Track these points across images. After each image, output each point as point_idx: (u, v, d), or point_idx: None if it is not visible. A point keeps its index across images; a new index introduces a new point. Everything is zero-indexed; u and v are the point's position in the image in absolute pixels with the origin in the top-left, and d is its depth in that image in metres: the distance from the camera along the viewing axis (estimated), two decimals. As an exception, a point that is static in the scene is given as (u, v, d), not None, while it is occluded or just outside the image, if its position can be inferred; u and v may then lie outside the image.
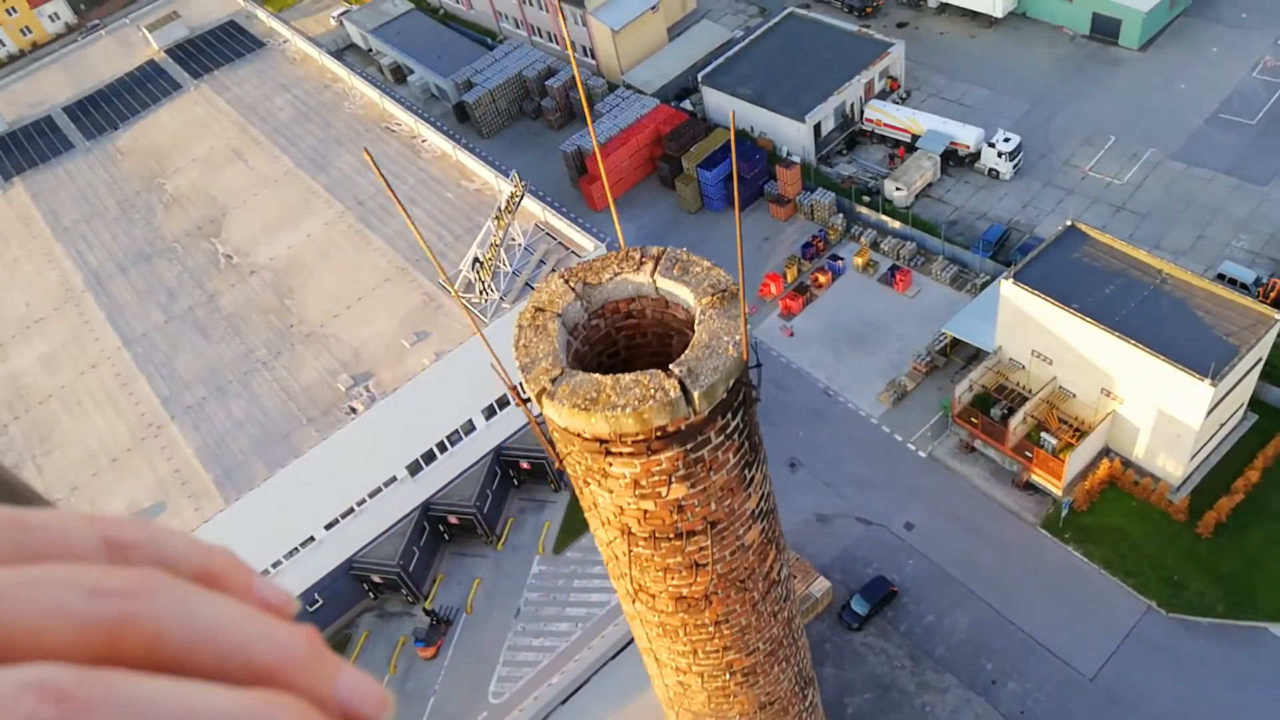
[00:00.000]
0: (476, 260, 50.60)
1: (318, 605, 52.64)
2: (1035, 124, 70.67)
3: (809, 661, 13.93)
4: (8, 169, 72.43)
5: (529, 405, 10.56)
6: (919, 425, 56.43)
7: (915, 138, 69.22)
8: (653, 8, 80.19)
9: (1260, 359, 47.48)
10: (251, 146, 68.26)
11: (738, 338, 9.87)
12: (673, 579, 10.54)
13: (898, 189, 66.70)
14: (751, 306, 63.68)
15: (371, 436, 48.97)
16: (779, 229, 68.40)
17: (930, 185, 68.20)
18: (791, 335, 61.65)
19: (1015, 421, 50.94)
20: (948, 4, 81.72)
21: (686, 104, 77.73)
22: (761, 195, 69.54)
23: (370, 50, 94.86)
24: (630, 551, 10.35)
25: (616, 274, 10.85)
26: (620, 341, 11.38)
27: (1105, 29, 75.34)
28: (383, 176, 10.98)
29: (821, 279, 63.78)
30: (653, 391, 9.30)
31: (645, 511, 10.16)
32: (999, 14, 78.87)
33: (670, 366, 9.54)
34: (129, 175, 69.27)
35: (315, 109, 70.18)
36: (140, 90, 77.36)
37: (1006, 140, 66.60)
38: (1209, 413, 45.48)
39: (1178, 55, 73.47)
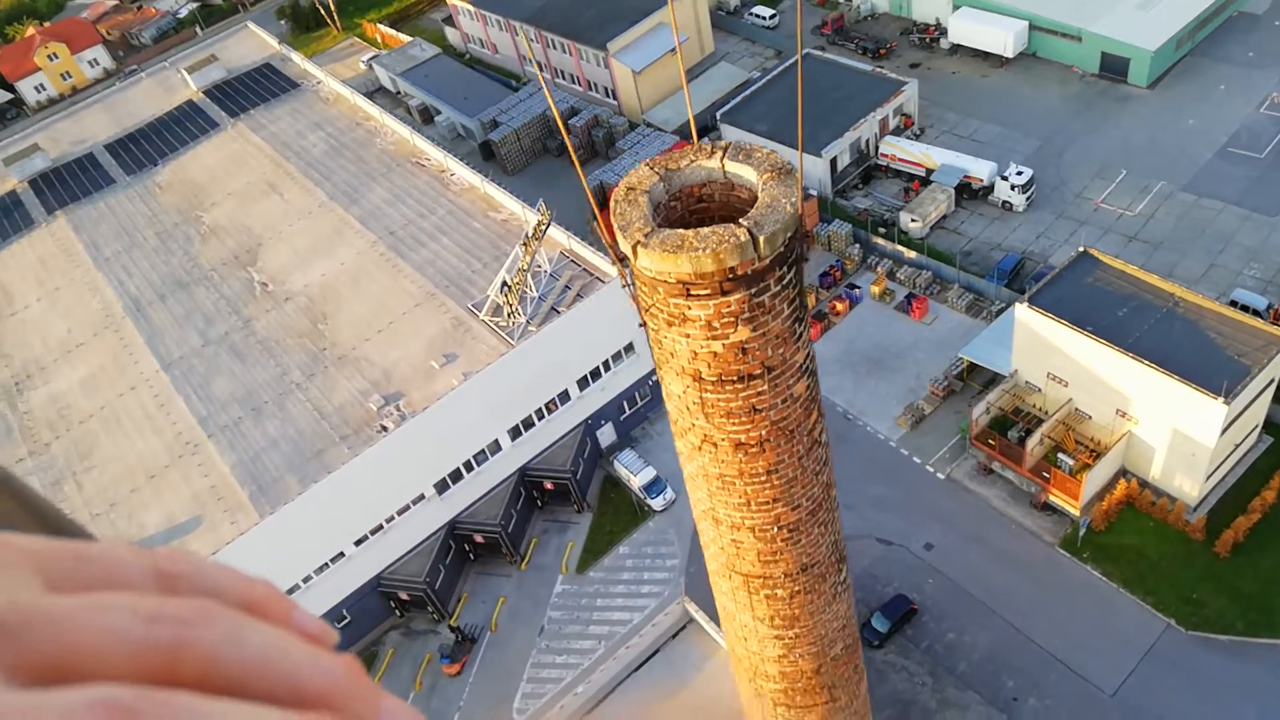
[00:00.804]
0: (505, 284, 52.34)
1: (346, 621, 53.58)
2: (1047, 159, 72.39)
3: (843, 538, 15.06)
4: (50, 203, 75.31)
5: (623, 265, 12.31)
6: (937, 448, 57.28)
7: (930, 171, 71.05)
8: (672, 50, 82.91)
9: (1273, 380, 48.28)
10: (286, 180, 70.84)
11: (794, 199, 11.59)
12: (734, 424, 11.83)
13: (913, 220, 68.33)
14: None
15: (401, 454, 50.36)
16: (797, 260, 69.92)
17: (945, 217, 69.81)
18: (810, 361, 62.82)
19: (1032, 443, 51.76)
20: (960, 45, 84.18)
21: (705, 142, 79.85)
22: (779, 227, 71.29)
23: (399, 93, 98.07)
24: (701, 397, 11.68)
25: (692, 161, 12.67)
26: (692, 224, 13.01)
27: (1114, 68, 77.39)
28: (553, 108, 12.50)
29: (839, 307, 65.17)
30: (726, 237, 11.16)
31: (715, 354, 11.56)
32: (1010, 54, 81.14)
33: (739, 220, 11.28)
34: (168, 208, 71.91)
35: (347, 145, 72.85)
36: (179, 128, 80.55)
37: (1019, 173, 68.32)
38: (1223, 432, 46.24)
39: (1186, 92, 75.30)
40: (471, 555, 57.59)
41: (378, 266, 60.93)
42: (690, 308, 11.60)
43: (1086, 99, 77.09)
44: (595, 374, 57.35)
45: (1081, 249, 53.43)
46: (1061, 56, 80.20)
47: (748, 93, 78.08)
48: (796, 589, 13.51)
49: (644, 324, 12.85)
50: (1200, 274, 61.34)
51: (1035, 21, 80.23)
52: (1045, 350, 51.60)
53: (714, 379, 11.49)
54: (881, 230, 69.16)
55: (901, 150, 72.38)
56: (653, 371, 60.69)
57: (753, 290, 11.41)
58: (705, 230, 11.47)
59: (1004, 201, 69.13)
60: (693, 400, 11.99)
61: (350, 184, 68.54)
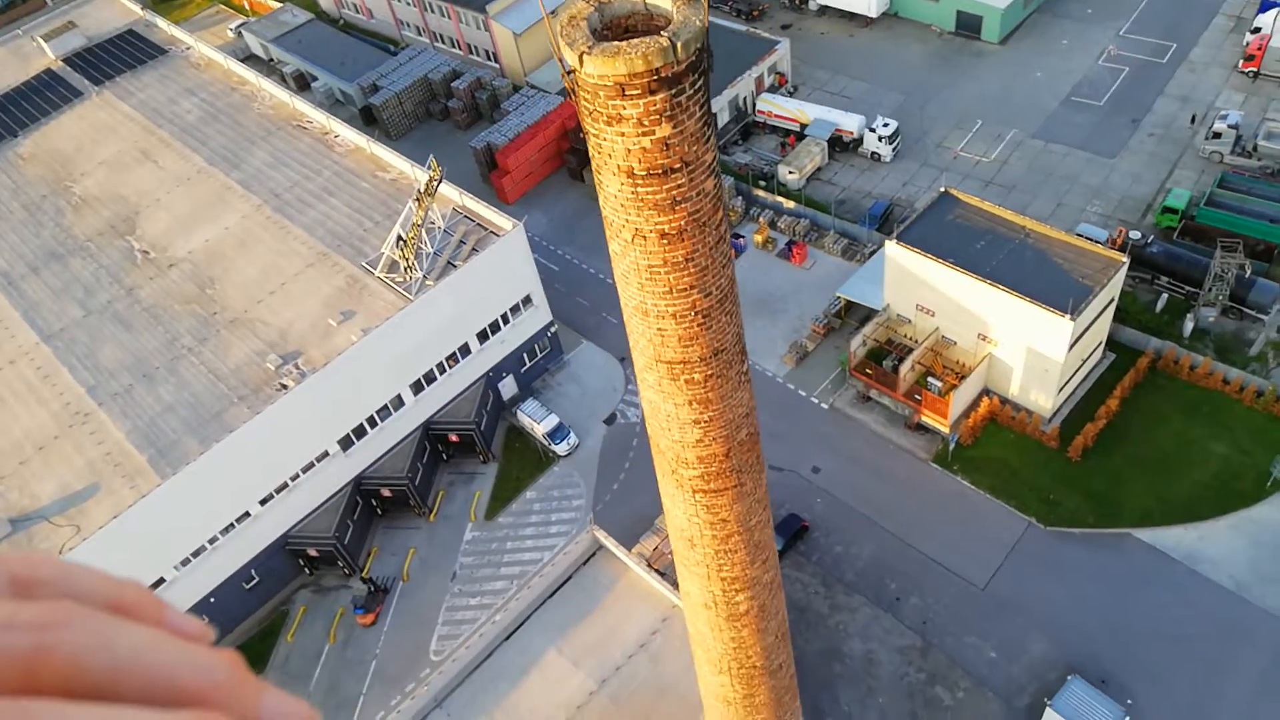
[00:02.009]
0: (400, 239, 52.92)
1: (254, 582, 53.67)
2: (910, 112, 77.08)
3: (743, 334, 17.50)
4: (-101, 179, 70.94)
5: (570, 77, 14.44)
6: (820, 381, 61.06)
7: (804, 126, 74.70)
8: (552, 13, 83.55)
9: (1113, 299, 53.66)
10: (160, 147, 68.87)
11: (702, 16, 13.88)
12: (659, 216, 13.98)
13: (790, 173, 71.84)
14: (661, 284, 67.44)
15: (303, 412, 50.61)
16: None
17: (819, 169, 73.62)
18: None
19: (904, 369, 55.95)
20: (827, 6, 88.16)
21: None
22: (665, 182, 73.72)
23: (271, 60, 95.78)
24: (635, 191, 13.79)
25: (617, 2, 14.92)
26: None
27: (969, 25, 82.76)
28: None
29: (724, 255, 68.04)
30: (652, 44, 13.85)
31: (644, 149, 13.70)
32: (874, 14, 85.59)
33: (661, 32, 13.58)
34: (33, 180, 68.92)
35: (224, 110, 71.23)
36: (38, 98, 76.87)
37: (885, 125, 72.63)
38: (1071, 347, 51.23)
39: (1033, 47, 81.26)
40: (379, 510, 58.27)
41: (265, 229, 60.32)
42: (624, 107, 13.84)
43: (944, 55, 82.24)
44: (494, 327, 58.59)
45: (943, 189, 57.75)
46: (921, 16, 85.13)
47: (628, 53, 79.74)
48: (710, 373, 15.80)
49: (585, 132, 14.88)
50: (1050, 212, 66.84)
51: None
52: (913, 283, 55.73)
53: (643, 173, 13.58)
54: (762, 183, 72.44)
55: (777, 107, 75.75)
56: (551, 324, 62.39)
57: (673, 91, 13.66)
58: (635, 40, 13.93)
59: (872, 153, 73.40)
60: (627, 195, 14.05)
61: (229, 149, 67.23)
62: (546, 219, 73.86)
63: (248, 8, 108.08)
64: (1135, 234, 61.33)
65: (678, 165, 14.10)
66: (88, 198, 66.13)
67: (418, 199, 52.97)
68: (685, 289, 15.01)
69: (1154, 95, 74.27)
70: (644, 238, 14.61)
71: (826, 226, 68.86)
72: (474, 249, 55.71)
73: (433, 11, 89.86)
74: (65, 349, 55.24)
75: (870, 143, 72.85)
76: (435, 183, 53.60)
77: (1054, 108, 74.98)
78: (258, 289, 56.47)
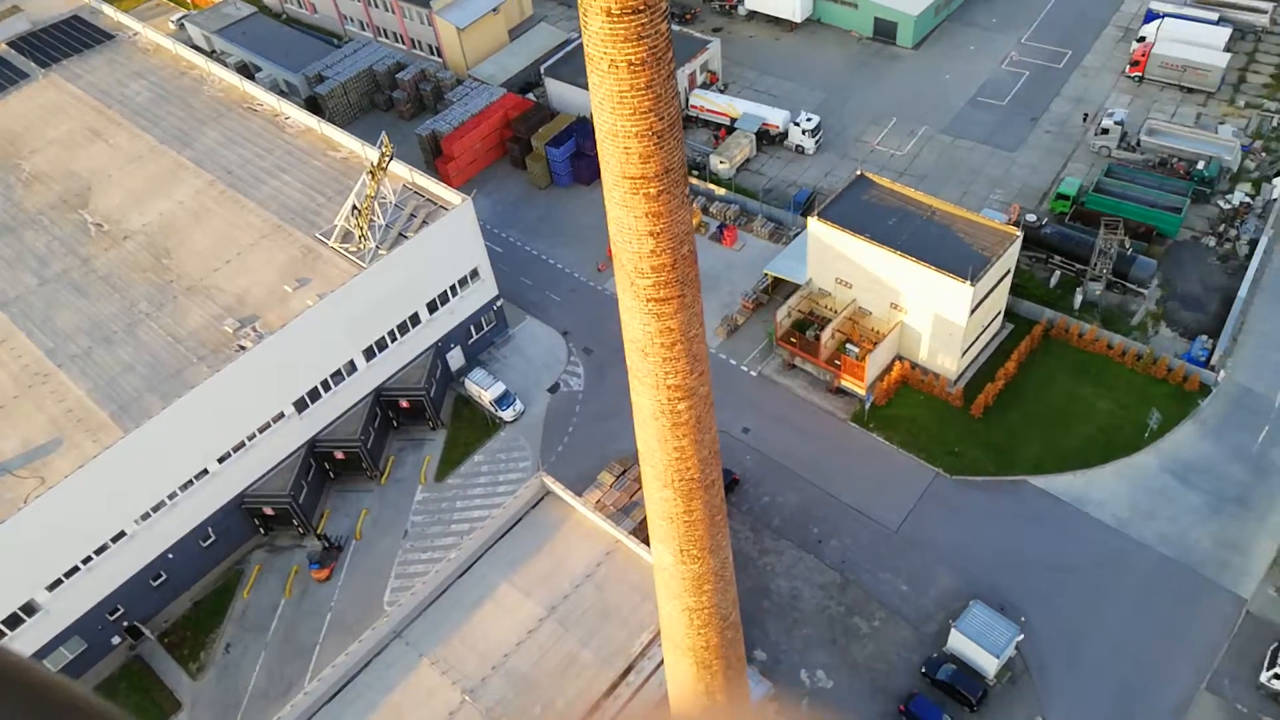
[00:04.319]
0: (354, 208, 55.89)
1: (211, 541, 55.71)
2: (831, 109, 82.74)
3: (685, 165, 22.07)
4: None
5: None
6: (749, 351, 65.65)
7: (733, 120, 79.72)
8: (494, 9, 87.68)
9: (1009, 270, 59.43)
10: (111, 127, 70.44)
11: None
12: (628, 46, 18.07)
13: (721, 162, 76.68)
14: (601, 265, 71.58)
15: (260, 372, 53.08)
16: (620, 199, 76.79)
17: (748, 160, 78.64)
18: (637, 285, 69.77)
19: (825, 337, 60.84)
20: (755, 12, 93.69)
21: (530, 96, 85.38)
22: (603, 169, 77.84)
23: (214, 51, 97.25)
24: (611, 28, 17.79)
25: None
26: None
27: (885, 31, 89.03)
28: None
29: (660, 237, 72.34)
30: None
31: (629, 62, 17.64)
32: (798, 19, 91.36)
33: None
34: (-20, 158, 69.73)
35: (174, 92, 73.12)
36: (-18, 81, 77.43)
37: (809, 120, 78.07)
38: (972, 311, 56.70)
39: (944, 52, 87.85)
40: (332, 474, 60.72)
41: (218, 204, 62.56)
42: (614, 27, 17.80)
43: (863, 58, 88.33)
44: (444, 298, 61.75)
45: (859, 172, 63.04)
46: (841, 22, 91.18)
47: (568, 49, 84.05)
48: (663, 187, 20.16)
49: None
50: (957, 199, 72.71)
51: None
52: (833, 258, 60.75)
53: (618, 11, 17.65)
54: (695, 172, 77.06)
55: (709, 102, 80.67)
56: (497, 298, 65.78)
57: (649, 11, 17.75)
58: None
59: (797, 145, 78.72)
60: (605, 31, 18.11)
61: (180, 129, 69.20)
62: (490, 204, 77.25)
63: (189, 1, 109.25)
64: (1031, 217, 67.48)
65: (642, 7, 18.22)
66: (38, 174, 67.38)
67: (371, 172, 56.00)
68: (645, 111, 19.29)
69: (1051, 96, 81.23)
70: (617, 66, 18.75)
71: (755, 212, 73.76)
72: (424, 222, 58.92)
73: (377, 6, 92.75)
74: (22, 315, 56.68)
75: (795, 136, 78.16)
76: (387, 158, 56.72)
77: (961, 107, 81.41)
78: (213, 258, 58.72)
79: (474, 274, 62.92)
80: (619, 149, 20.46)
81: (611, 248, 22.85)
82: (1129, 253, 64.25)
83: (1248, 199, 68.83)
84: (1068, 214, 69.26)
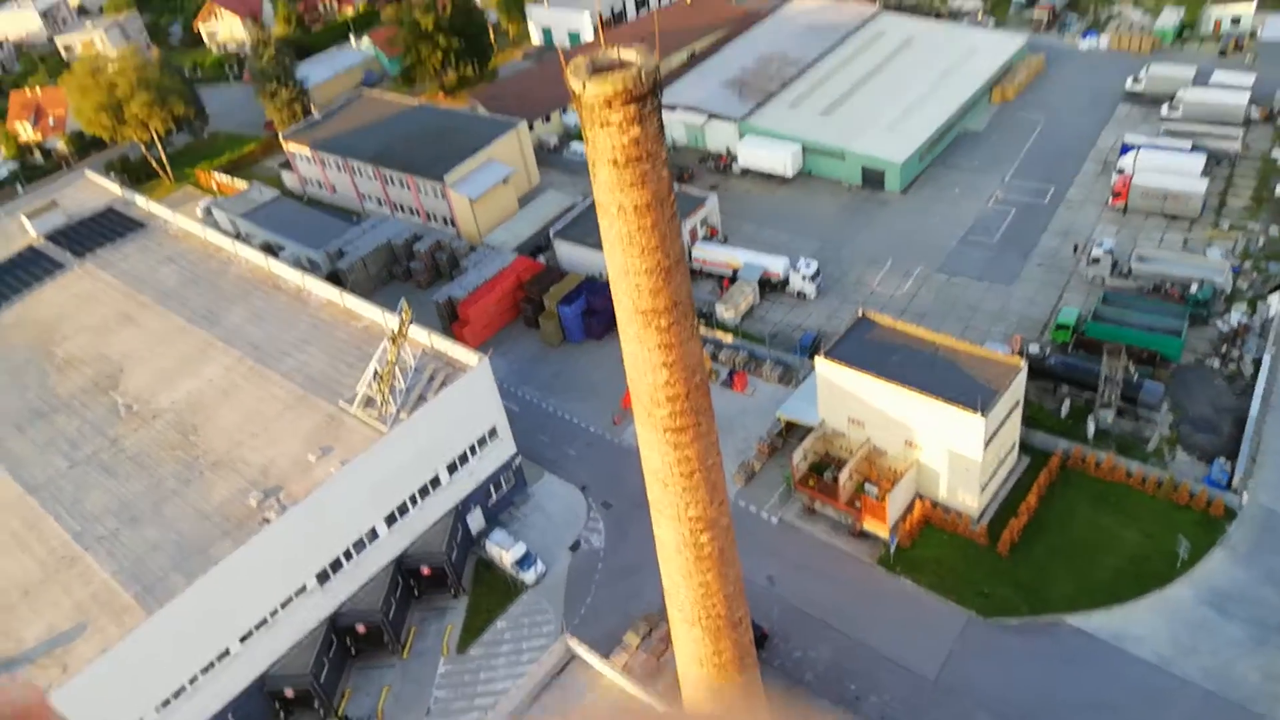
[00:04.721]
0: (376, 373, 57.74)
1: (232, 725, 54.53)
2: (829, 254, 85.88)
3: (693, 294, 23.84)
4: (-119, 353, 74.09)
5: (576, 99, 22.68)
6: (768, 497, 65.80)
7: (735, 270, 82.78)
8: (504, 180, 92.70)
9: (1018, 401, 60.26)
10: (141, 311, 73.66)
11: (655, 60, 21.38)
12: (633, 192, 19.62)
13: (727, 311, 79.17)
14: (616, 417, 72.86)
15: (284, 543, 53.54)
16: (631, 351, 78.89)
17: (753, 307, 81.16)
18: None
19: (843, 479, 61.18)
20: (748, 169, 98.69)
21: (541, 258, 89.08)
22: (614, 325, 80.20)
23: (239, 235, 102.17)
24: (617, 176, 19.40)
25: (603, 54, 22.94)
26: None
27: (873, 180, 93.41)
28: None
29: (672, 387, 73.92)
30: (626, 73, 21.33)
31: (623, 145, 19.56)
32: (790, 175, 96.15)
33: (629, 64, 20.73)
34: (17, 346, 72.78)
35: (202, 275, 76.76)
36: (22, 272, 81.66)
37: (808, 266, 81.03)
38: (986, 444, 57.20)
39: (931, 195, 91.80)
40: (353, 650, 59.73)
41: (245, 379, 64.66)
42: (610, 115, 20.42)
43: (855, 205, 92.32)
44: (463, 458, 62.73)
45: (861, 313, 65.02)
46: (831, 173, 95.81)
47: (575, 213, 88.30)
48: (673, 319, 21.61)
49: (585, 140, 21.59)
50: (958, 334, 74.23)
51: (807, 145, 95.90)
52: (843, 397, 61.86)
53: (623, 162, 19.56)
54: (702, 321, 79.42)
55: (710, 254, 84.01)
56: (516, 455, 66.64)
57: (640, 104, 20.35)
58: (617, 72, 22.09)
59: (798, 291, 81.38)
60: (613, 179, 20.05)
61: (208, 309, 72.29)
62: (506, 363, 79.32)
63: (216, 188, 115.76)
64: (1034, 347, 68.90)
65: (644, 156, 20.48)
66: (71, 359, 70.04)
67: (392, 339, 58.18)
68: (653, 249, 21.16)
69: (1039, 231, 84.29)
70: (624, 210, 20.70)
71: (763, 357, 75.51)
72: (443, 383, 60.65)
73: (393, 184, 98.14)
74: (51, 499, 57.77)
75: (796, 282, 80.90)
76: (406, 324, 59.07)
77: (953, 245, 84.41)
78: (239, 432, 60.22)
79: (492, 433, 64.12)
80: (630, 285, 22.19)
81: (629, 391, 24.53)
82: (1135, 378, 65.18)
83: (1245, 319, 70.25)
84: (1070, 343, 70.65)
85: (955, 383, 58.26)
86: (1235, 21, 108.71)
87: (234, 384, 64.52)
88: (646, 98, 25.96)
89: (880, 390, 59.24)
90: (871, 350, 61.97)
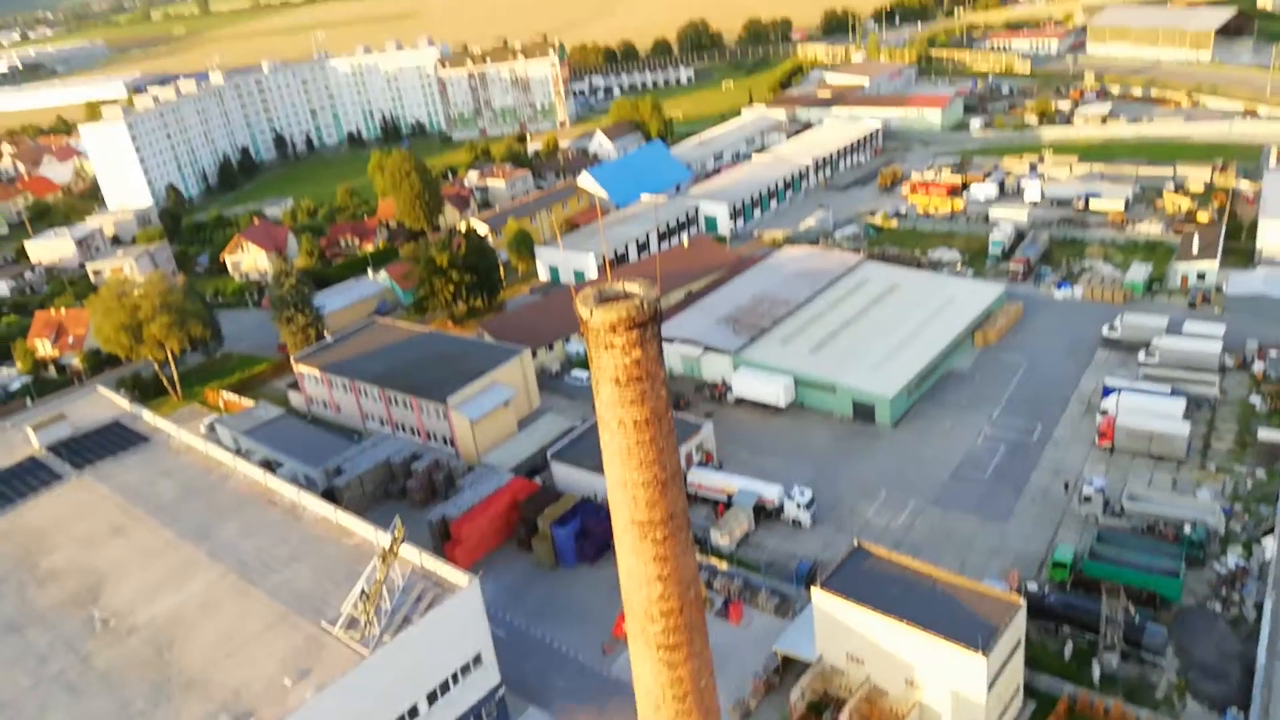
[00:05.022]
0: (363, 592, 56.61)
1: None
2: (823, 484, 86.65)
3: (688, 512, 23.97)
4: None
5: (583, 324, 25.67)
6: (764, 737, 62.45)
7: (730, 496, 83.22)
8: (505, 403, 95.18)
9: (1019, 640, 58.71)
10: (132, 524, 73.23)
11: (656, 292, 24.14)
12: (633, 409, 20.18)
13: (722, 537, 78.79)
14: (606, 646, 70.59)
15: (250, 776, 50.29)
16: (624, 578, 77.55)
17: (748, 535, 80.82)
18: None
19: (843, 720, 58.39)
20: (742, 399, 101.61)
21: (537, 479, 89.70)
22: (609, 549, 79.47)
23: (239, 450, 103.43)
24: (619, 393, 20.05)
25: (609, 287, 25.81)
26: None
27: (864, 413, 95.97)
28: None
29: (665, 615, 72.10)
30: (629, 303, 24.05)
31: (625, 365, 20.58)
32: (782, 405, 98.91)
33: (633, 295, 23.95)
34: (1, 556, 71.63)
35: (199, 490, 76.98)
36: (18, 482, 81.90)
37: (803, 494, 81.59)
38: (990, 686, 55.14)
39: (922, 429, 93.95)
40: None
41: (228, 595, 63.27)
42: (614, 339, 22.22)
43: (847, 436, 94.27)
44: (444, 687, 60.08)
45: (856, 543, 64.79)
46: (823, 405, 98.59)
47: (573, 435, 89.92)
48: (668, 532, 21.69)
49: (589, 360, 23.64)
50: (955, 569, 73.56)
51: (799, 378, 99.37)
52: (842, 631, 60.35)
53: (625, 380, 20.71)
54: (696, 547, 78.66)
55: (706, 479, 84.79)
56: (499, 686, 63.90)
57: (643, 330, 21.89)
58: (620, 302, 25.00)
59: (793, 519, 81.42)
60: (615, 396, 21.03)
61: (201, 523, 71.91)
62: (495, 586, 77.76)
63: (222, 406, 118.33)
64: (1032, 585, 68.05)
65: (644, 376, 22.13)
66: (54, 571, 68.83)
67: (383, 556, 57.56)
68: (651, 462, 21.97)
69: (1030, 467, 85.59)
70: (624, 425, 21.77)
71: (758, 585, 74.28)
72: (430, 605, 59.30)
73: (397, 404, 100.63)
74: (12, 718, 54.84)
75: (790, 510, 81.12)
76: (399, 542, 58.65)
77: (946, 479, 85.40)
78: (216, 651, 58.17)
79: (477, 660, 61.89)
80: (628, 497, 23.17)
81: (620, 618, 24.82)
82: (1137, 620, 63.93)
83: (1243, 562, 69.91)
84: (1068, 581, 69.83)
85: (954, 619, 57.12)
86: (1201, 277, 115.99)
87: (216, 600, 63.07)
88: (647, 324, 28.97)
89: (878, 625, 57.96)
90: (869, 582, 61.24)
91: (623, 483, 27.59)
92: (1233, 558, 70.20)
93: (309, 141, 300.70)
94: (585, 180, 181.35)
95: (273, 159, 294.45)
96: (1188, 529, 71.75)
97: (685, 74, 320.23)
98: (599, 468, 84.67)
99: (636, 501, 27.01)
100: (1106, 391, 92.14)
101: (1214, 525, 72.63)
